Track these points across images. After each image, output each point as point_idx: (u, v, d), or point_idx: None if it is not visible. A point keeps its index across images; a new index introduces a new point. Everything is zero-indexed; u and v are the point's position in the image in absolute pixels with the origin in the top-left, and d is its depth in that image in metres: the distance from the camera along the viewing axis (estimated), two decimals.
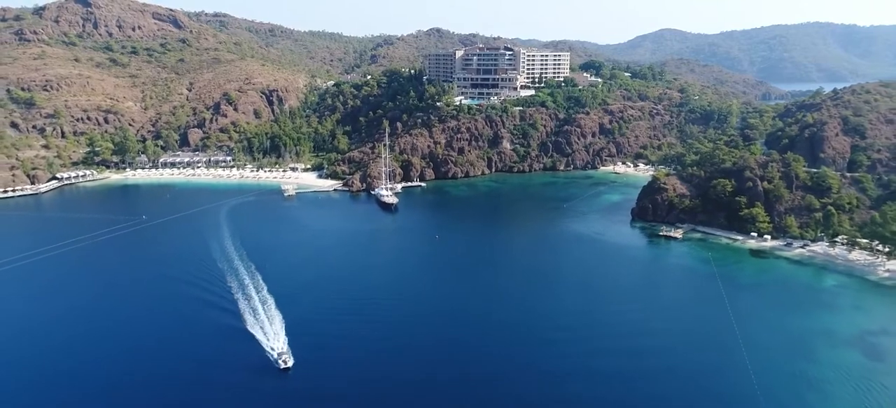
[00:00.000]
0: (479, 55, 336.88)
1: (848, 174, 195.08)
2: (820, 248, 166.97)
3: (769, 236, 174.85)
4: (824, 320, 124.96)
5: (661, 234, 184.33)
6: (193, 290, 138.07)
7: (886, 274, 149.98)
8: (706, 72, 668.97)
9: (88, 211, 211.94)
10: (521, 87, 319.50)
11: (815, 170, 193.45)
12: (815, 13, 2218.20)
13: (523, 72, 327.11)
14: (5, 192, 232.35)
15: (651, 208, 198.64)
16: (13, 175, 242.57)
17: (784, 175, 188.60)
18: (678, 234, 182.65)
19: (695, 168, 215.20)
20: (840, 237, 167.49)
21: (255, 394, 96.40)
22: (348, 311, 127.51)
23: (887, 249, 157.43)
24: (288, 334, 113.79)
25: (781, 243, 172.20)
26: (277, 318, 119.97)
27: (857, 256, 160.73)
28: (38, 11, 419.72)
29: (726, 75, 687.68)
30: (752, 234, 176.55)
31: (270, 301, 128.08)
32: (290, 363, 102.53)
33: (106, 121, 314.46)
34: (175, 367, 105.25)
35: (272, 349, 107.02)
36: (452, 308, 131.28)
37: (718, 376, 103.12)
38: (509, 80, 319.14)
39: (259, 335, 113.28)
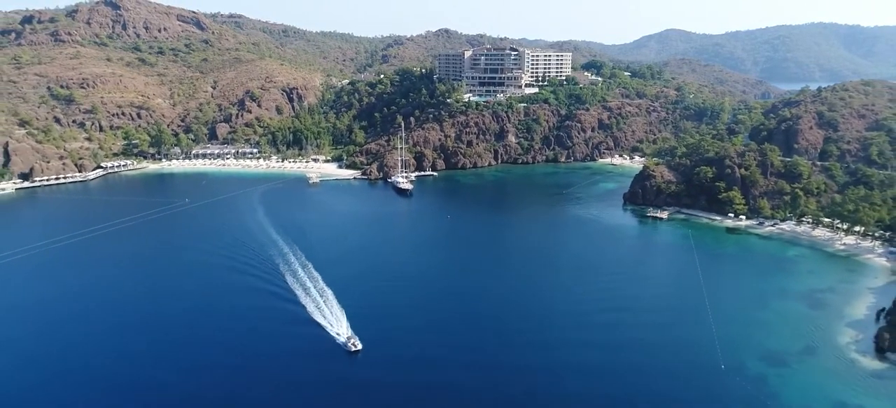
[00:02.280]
0: (486, 55, 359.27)
1: (819, 163, 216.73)
2: (788, 226, 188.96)
3: (744, 217, 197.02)
4: (780, 282, 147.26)
5: (648, 215, 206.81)
6: (244, 265, 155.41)
7: (842, 247, 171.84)
8: (707, 71, 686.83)
9: (135, 195, 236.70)
10: (526, 85, 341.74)
11: (788, 159, 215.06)
12: (820, 14, 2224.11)
13: (527, 71, 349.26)
14: (58, 179, 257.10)
15: (641, 193, 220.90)
16: (63, 164, 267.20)
17: (760, 163, 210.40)
18: (664, 215, 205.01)
19: (682, 158, 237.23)
20: (806, 217, 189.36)
21: (327, 373, 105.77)
22: (388, 283, 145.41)
23: (845, 226, 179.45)
24: (340, 303, 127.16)
25: (754, 223, 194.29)
26: (329, 293, 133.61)
27: (820, 232, 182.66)
28: (71, 14, 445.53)
29: (726, 75, 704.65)
30: (730, 215, 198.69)
31: (318, 277, 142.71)
32: (360, 347, 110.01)
33: (139, 116, 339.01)
34: (241, 343, 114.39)
35: (338, 334, 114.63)
36: (474, 283, 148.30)
37: (684, 324, 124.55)
38: (514, 78, 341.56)
39: (318, 317, 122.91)
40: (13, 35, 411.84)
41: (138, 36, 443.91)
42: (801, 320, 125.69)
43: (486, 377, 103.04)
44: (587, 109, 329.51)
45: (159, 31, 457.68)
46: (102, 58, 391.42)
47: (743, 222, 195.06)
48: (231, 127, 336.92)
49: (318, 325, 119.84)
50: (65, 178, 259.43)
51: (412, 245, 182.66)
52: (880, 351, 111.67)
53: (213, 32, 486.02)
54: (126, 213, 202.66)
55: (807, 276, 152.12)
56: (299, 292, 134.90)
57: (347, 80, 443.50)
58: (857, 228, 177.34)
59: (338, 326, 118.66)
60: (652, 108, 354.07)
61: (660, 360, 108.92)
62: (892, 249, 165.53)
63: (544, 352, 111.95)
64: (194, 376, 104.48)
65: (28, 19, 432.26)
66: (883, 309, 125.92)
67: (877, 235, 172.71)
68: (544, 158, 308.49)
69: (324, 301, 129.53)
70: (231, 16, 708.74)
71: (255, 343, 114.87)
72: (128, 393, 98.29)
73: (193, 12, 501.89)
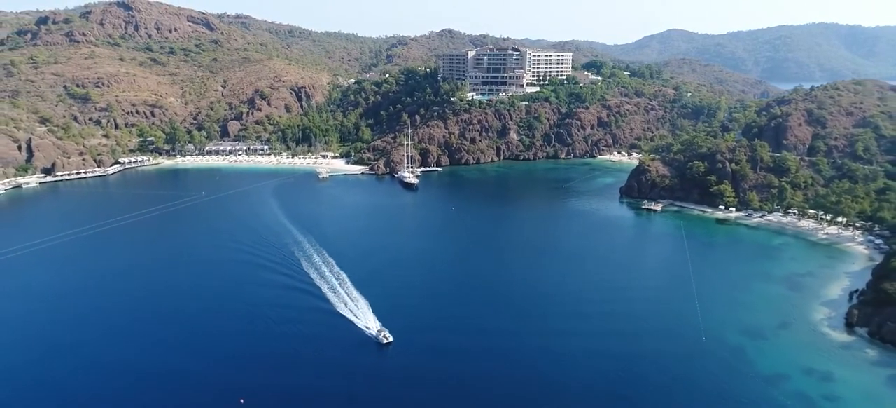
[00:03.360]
0: (489, 55, 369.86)
1: (806, 158, 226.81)
2: (775, 217, 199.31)
3: (734, 209, 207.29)
4: (764, 267, 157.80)
5: (643, 207, 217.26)
6: (263, 255, 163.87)
7: (825, 236, 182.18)
8: (707, 71, 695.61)
9: (154, 189, 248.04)
10: (527, 84, 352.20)
11: (777, 154, 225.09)
12: (821, 14, 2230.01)
13: (529, 70, 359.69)
14: (79, 173, 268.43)
15: (637, 187, 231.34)
16: (83, 159, 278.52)
17: (750, 158, 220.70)
18: (658, 207, 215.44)
19: (676, 154, 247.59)
20: (792, 209, 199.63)
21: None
22: (402, 270, 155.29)
23: (829, 217, 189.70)
24: (359, 292, 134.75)
25: (743, 214, 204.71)
26: (344, 275, 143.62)
27: (805, 223, 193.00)
28: (85, 15, 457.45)
29: (726, 75, 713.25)
30: (720, 207, 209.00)
31: (333, 262, 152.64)
32: (391, 339, 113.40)
33: (152, 114, 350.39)
34: (269, 333, 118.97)
35: (367, 327, 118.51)
36: (483, 270, 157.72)
37: (671, 302, 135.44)
38: (516, 78, 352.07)
39: (335, 300, 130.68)
40: (29, 35, 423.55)
41: (150, 36, 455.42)
42: (780, 300, 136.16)
43: (509, 360, 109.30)
44: (587, 108, 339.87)
45: (170, 31, 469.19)
46: (116, 58, 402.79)
47: (732, 214, 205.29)
48: (242, 124, 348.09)
49: (346, 318, 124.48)
50: (85, 173, 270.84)
51: (421, 235, 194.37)
52: (849, 326, 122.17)
53: (222, 33, 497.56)
54: (148, 205, 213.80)
55: (789, 262, 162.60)
56: (325, 287, 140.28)
57: (354, 80, 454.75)
58: (839, 219, 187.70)
59: (361, 315, 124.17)
60: (650, 106, 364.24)
61: (649, 332, 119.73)
62: (870, 237, 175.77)
63: (549, 327, 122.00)
64: (240, 365, 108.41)
65: (43, 20, 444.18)
66: (856, 290, 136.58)
67: (857, 224, 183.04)
68: (545, 154, 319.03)
69: (344, 290, 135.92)
70: (238, 16, 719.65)
71: (285, 334, 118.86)
72: (158, 380, 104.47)
73: (202, 13, 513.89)
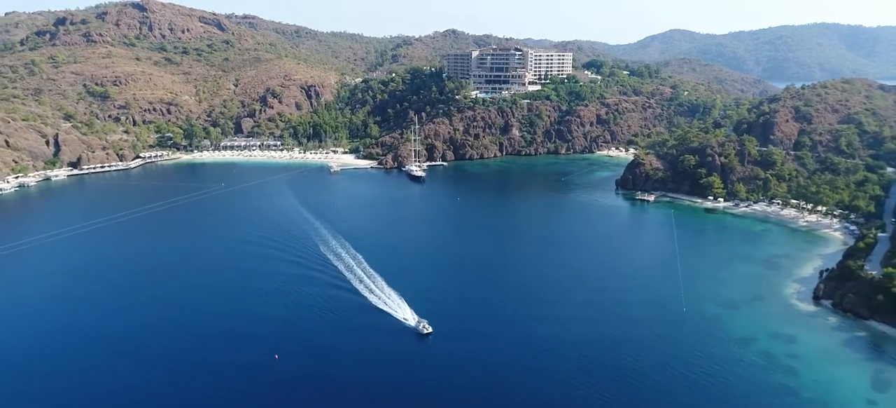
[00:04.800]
0: (492, 55, 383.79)
1: (792, 152, 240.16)
2: (760, 207, 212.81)
3: (722, 199, 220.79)
4: (744, 249, 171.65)
5: (637, 198, 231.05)
6: (285, 242, 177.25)
7: (805, 223, 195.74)
8: (707, 71, 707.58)
9: (175, 181, 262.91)
10: (529, 83, 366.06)
11: (764, 148, 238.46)
12: (823, 14, 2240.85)
13: (531, 70, 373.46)
14: (103, 167, 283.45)
15: (632, 179, 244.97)
16: (106, 154, 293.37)
17: (738, 152, 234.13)
18: (651, 198, 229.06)
19: (670, 148, 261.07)
20: (776, 199, 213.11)
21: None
22: (417, 253, 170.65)
23: (809, 206, 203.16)
24: (374, 268, 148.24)
25: (731, 204, 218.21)
26: (360, 257, 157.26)
27: (788, 212, 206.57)
28: (101, 16, 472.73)
29: (726, 74, 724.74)
30: (709, 197, 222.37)
31: (348, 244, 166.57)
32: (430, 329, 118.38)
33: (168, 111, 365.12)
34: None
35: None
36: (493, 256, 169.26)
37: (657, 278, 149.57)
38: (518, 77, 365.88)
39: (354, 281, 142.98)
40: (47, 36, 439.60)
41: (163, 37, 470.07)
42: (756, 277, 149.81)
43: (528, 342, 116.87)
44: (586, 105, 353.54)
45: (183, 32, 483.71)
46: (132, 57, 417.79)
47: (721, 204, 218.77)
48: (255, 121, 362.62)
49: (359, 292, 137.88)
50: (109, 166, 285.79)
51: (429, 222, 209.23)
52: (816, 299, 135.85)
53: (232, 33, 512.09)
54: (173, 195, 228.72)
55: (769, 246, 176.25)
56: (341, 266, 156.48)
57: (361, 79, 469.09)
58: (819, 208, 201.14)
59: (378, 289, 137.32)
60: (647, 104, 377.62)
61: (636, 303, 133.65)
62: (846, 224, 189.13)
63: (554, 307, 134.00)
64: (275, 327, 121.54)
65: (61, 21, 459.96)
66: (827, 269, 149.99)
67: (836, 213, 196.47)
68: (546, 150, 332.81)
69: (360, 269, 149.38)
70: (245, 17, 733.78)
71: (308, 304, 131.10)
72: (208, 340, 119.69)
73: (214, 14, 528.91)
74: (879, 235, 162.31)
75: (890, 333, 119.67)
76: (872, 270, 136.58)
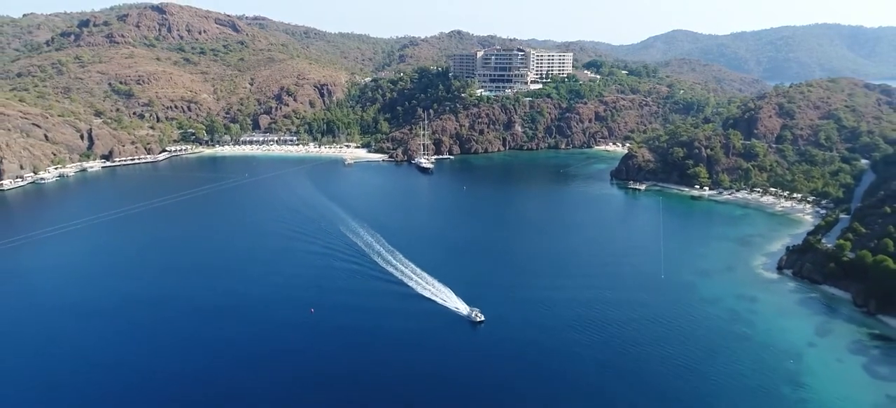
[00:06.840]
0: (496, 55, 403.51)
1: (774, 145, 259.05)
2: (742, 194, 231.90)
3: (707, 188, 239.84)
4: (722, 230, 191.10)
5: (630, 187, 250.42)
6: (307, 218, 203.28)
7: (780, 209, 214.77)
8: (706, 70, 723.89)
9: (202, 172, 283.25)
10: (531, 81, 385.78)
11: (748, 142, 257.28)
12: (824, 15, 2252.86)
13: (533, 69, 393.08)
14: (133, 160, 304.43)
15: (625, 170, 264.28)
16: (135, 147, 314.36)
17: (724, 145, 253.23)
18: (642, 187, 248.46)
19: (661, 142, 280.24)
20: (757, 187, 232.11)
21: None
22: (434, 236, 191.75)
23: (786, 193, 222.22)
24: (392, 244, 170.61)
25: (715, 192, 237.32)
26: (379, 235, 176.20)
27: (766, 198, 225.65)
28: (122, 18, 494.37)
29: (725, 74, 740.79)
30: (696, 186, 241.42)
31: (368, 225, 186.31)
32: (483, 318, 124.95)
33: (189, 109, 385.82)
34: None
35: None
36: (501, 241, 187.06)
37: (640, 253, 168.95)
38: (521, 76, 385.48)
39: (370, 252, 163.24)
40: (72, 37, 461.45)
41: (181, 38, 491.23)
42: (729, 252, 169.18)
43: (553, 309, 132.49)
44: (585, 103, 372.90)
45: (200, 33, 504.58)
46: (153, 57, 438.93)
47: (705, 192, 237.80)
48: (271, 118, 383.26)
49: (377, 262, 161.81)
50: (138, 158, 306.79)
51: (439, 210, 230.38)
52: (779, 269, 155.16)
53: (247, 35, 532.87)
54: (201, 184, 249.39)
55: (746, 227, 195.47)
56: (360, 243, 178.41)
57: (371, 78, 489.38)
58: (795, 195, 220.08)
59: (394, 259, 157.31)
60: (644, 102, 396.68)
61: (621, 274, 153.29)
62: (817, 208, 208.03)
63: (558, 281, 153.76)
64: (312, 289, 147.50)
65: (85, 23, 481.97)
66: (793, 246, 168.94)
67: (809, 199, 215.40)
68: (547, 145, 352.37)
69: (379, 246, 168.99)
70: (256, 18, 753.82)
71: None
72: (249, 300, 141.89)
73: (228, 16, 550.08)
74: (842, 216, 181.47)
75: (838, 294, 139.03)
76: (829, 243, 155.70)
